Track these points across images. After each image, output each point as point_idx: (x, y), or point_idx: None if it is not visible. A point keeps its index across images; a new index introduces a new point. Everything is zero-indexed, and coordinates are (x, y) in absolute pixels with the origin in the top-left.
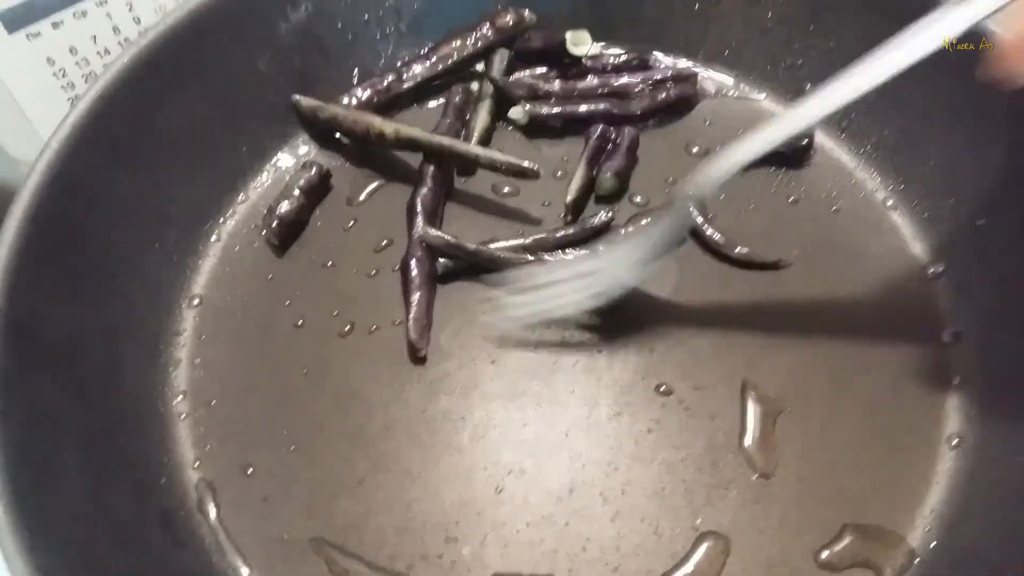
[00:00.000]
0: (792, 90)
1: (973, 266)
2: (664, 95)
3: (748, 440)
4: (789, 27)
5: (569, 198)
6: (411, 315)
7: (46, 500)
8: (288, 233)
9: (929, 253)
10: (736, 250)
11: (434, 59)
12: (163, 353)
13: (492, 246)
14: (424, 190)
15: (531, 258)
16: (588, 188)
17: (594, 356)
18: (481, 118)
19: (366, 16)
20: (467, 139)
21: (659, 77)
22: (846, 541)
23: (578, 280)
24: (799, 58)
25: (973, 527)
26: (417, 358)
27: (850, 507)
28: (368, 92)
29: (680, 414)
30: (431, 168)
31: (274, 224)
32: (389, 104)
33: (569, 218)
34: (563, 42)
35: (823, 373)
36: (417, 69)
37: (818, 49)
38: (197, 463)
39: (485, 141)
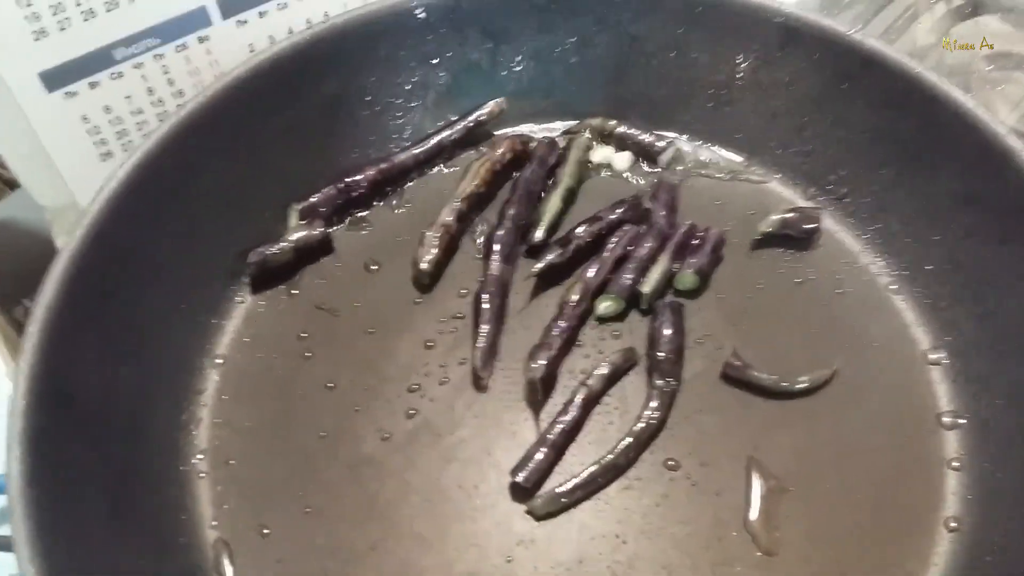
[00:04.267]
0: (801, 174)
1: (973, 352)
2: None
3: (753, 517)
4: (799, 115)
5: (646, 289)
6: (478, 345)
7: (73, 558)
8: (263, 277)
9: (930, 338)
10: (798, 386)
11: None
12: (185, 412)
13: None
14: (502, 231)
15: None
16: (667, 281)
17: (605, 429)
18: (553, 203)
19: (394, 90)
20: (536, 224)
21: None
22: None
23: None
24: (809, 144)
25: None
26: (479, 387)
27: None
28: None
29: (687, 489)
30: (511, 210)
31: (252, 261)
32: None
33: (645, 308)
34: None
35: (826, 453)
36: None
37: (827, 137)
38: (215, 522)
39: (555, 227)
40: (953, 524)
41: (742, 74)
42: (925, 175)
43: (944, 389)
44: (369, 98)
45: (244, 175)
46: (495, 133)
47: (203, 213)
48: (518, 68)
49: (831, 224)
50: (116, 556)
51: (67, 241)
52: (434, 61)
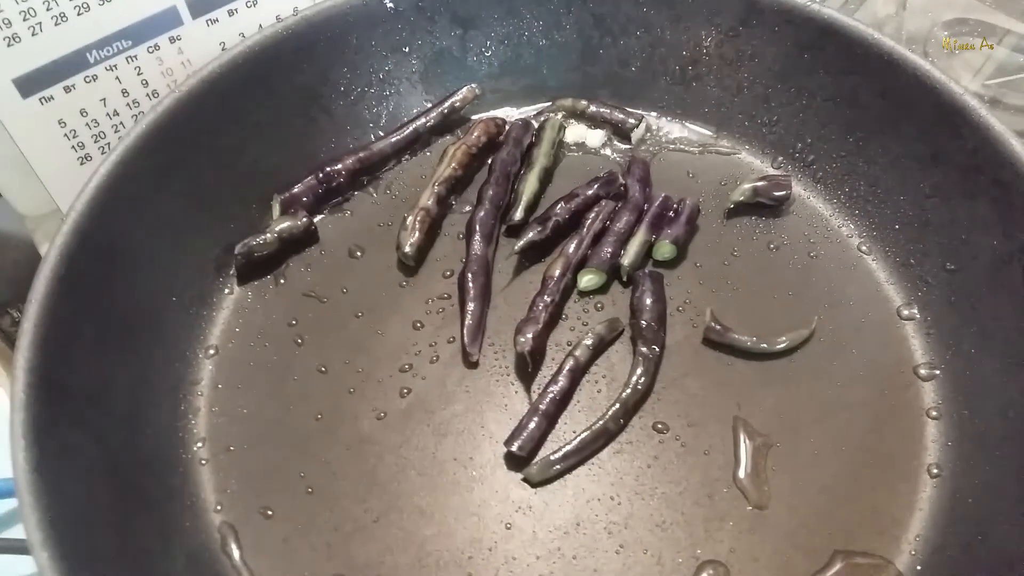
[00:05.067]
0: (769, 143)
1: (944, 306)
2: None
3: (741, 474)
4: (764, 86)
5: (626, 261)
6: (466, 323)
7: (82, 545)
8: (249, 268)
9: (903, 294)
10: (777, 346)
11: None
12: (183, 401)
13: None
14: (482, 212)
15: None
16: (646, 252)
17: (594, 397)
18: (530, 183)
19: (368, 80)
20: (514, 204)
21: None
22: (837, 567)
23: None
24: (775, 114)
25: (956, 551)
26: (469, 363)
27: (840, 535)
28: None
29: (677, 450)
30: (489, 191)
31: (238, 252)
32: (373, 167)
33: (625, 279)
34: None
35: (809, 409)
36: (393, 139)
37: (792, 106)
38: (219, 506)
39: (533, 207)
40: (935, 470)
41: (707, 50)
42: (888, 138)
43: (919, 342)
44: (343, 88)
45: (225, 168)
46: (471, 118)
47: (187, 207)
48: (488, 53)
49: (801, 190)
50: (124, 541)
51: (55, 238)
52: (405, 50)
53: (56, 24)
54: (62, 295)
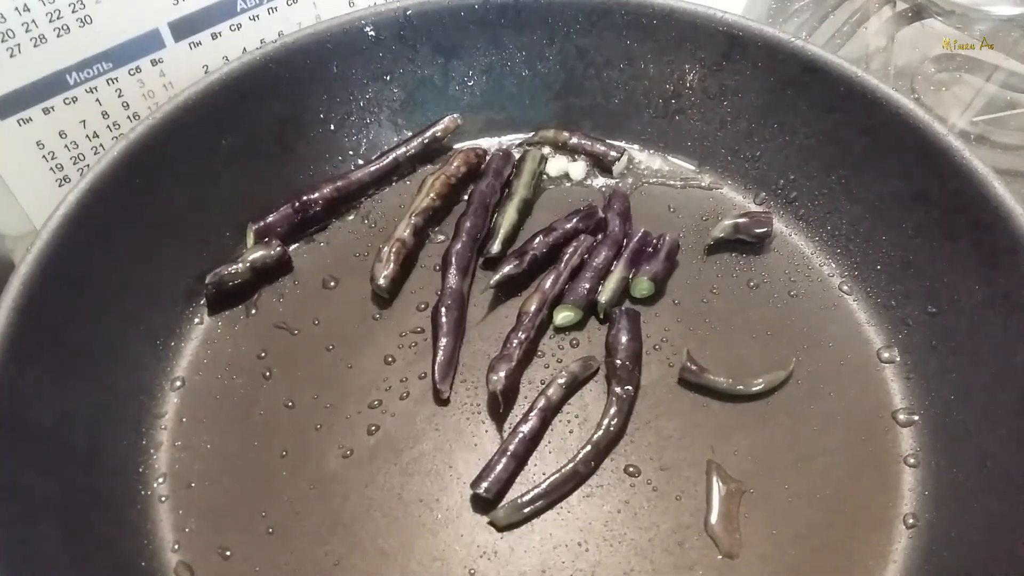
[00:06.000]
0: (752, 179)
1: (924, 350)
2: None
3: (713, 520)
4: (747, 121)
5: (604, 298)
6: (437, 359)
7: None
8: (220, 298)
9: (883, 337)
10: (754, 388)
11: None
12: (145, 435)
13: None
14: (459, 245)
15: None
16: (624, 289)
17: (566, 438)
18: (508, 215)
19: (348, 107)
20: (492, 236)
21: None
22: None
23: None
24: (757, 149)
25: None
26: (440, 400)
27: None
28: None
29: (648, 495)
30: (467, 223)
31: (209, 282)
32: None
33: (602, 316)
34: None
35: (784, 454)
36: (371, 168)
37: (775, 142)
38: (176, 546)
39: (511, 239)
40: (911, 520)
41: (690, 83)
42: (871, 176)
43: (898, 387)
44: (323, 116)
45: (199, 196)
46: (452, 147)
47: (159, 235)
48: (471, 83)
49: (782, 227)
50: None
51: (18, 267)
52: (386, 78)
53: (35, 46)
54: (23, 328)
